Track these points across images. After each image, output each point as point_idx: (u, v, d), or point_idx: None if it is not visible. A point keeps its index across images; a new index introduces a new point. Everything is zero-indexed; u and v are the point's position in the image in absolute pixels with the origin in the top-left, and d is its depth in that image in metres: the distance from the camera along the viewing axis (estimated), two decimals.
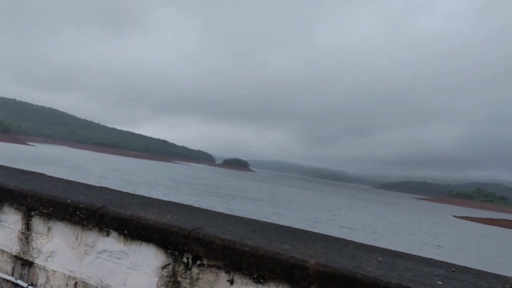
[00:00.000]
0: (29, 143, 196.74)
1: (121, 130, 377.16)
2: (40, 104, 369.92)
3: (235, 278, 2.18)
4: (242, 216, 3.01)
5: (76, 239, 2.79)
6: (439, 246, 50.47)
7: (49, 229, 2.93)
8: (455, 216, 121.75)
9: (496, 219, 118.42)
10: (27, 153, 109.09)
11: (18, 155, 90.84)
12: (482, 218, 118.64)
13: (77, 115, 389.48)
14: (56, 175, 4.27)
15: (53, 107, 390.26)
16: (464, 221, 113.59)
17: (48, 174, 4.17)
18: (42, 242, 2.94)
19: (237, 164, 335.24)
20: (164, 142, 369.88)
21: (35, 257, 2.97)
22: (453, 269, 2.14)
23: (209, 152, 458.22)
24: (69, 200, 2.83)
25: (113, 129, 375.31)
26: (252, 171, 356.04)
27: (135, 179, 69.56)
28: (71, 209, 2.77)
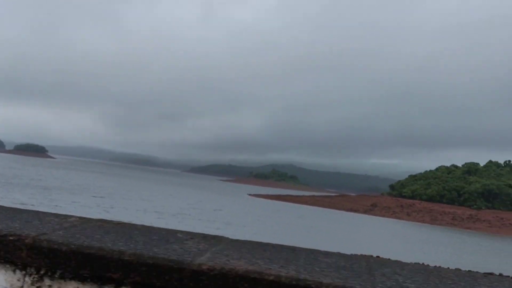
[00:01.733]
0: None
1: None
2: None
3: None
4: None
5: None
6: (228, 223, 53.73)
7: None
8: (250, 195, 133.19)
9: (282, 195, 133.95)
10: None
11: None
12: (271, 195, 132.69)
13: None
14: None
15: None
16: (256, 198, 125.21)
17: None
18: None
19: (32, 150, 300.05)
20: None
21: None
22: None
23: None
24: None
25: None
26: (51, 157, 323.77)
27: None
28: None
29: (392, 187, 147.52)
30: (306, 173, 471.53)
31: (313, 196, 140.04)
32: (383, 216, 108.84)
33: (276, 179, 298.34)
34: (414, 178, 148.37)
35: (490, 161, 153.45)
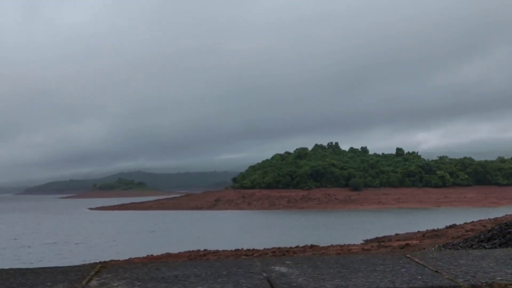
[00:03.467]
0: None
1: None
2: None
3: None
4: None
5: None
6: (54, 242, 49.13)
7: None
8: (91, 209, 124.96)
9: (125, 204, 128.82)
10: None
11: None
12: (114, 206, 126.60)
13: None
14: None
15: None
16: (98, 211, 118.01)
17: None
18: None
19: None
20: None
21: None
22: None
23: None
24: None
25: None
26: None
27: None
28: None
29: (234, 179, 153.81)
30: (155, 178, 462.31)
31: (158, 200, 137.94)
32: (226, 209, 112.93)
33: (123, 188, 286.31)
34: (253, 168, 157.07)
35: (316, 145, 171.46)
